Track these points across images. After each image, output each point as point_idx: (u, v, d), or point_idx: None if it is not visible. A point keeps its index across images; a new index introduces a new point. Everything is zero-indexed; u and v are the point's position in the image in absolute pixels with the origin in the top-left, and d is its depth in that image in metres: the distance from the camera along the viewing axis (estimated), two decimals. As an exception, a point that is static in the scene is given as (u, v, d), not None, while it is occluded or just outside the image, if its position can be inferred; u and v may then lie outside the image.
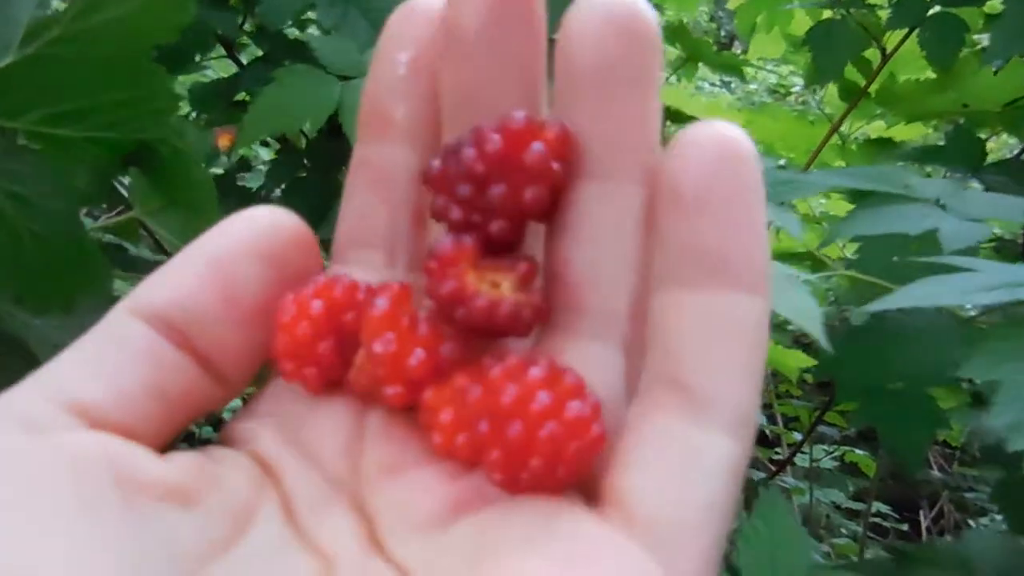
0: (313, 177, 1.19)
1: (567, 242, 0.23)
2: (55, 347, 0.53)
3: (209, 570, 0.21)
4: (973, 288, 0.54)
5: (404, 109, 0.24)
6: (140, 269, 0.92)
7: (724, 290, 0.20)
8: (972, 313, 0.89)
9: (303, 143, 1.22)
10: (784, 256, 1.24)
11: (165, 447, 0.23)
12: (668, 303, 0.21)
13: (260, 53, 1.19)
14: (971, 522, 1.58)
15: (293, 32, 1.28)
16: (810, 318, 0.53)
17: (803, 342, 1.43)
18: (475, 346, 0.24)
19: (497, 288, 0.22)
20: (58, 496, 0.19)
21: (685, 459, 0.20)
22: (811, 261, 1.16)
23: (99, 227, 0.61)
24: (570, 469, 0.21)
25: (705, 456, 0.20)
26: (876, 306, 0.55)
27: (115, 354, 0.23)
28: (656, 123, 0.22)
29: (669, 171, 0.20)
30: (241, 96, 1.15)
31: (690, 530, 0.20)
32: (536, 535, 0.20)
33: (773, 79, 2.58)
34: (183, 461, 0.22)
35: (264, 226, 0.24)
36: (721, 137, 0.20)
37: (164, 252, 1.20)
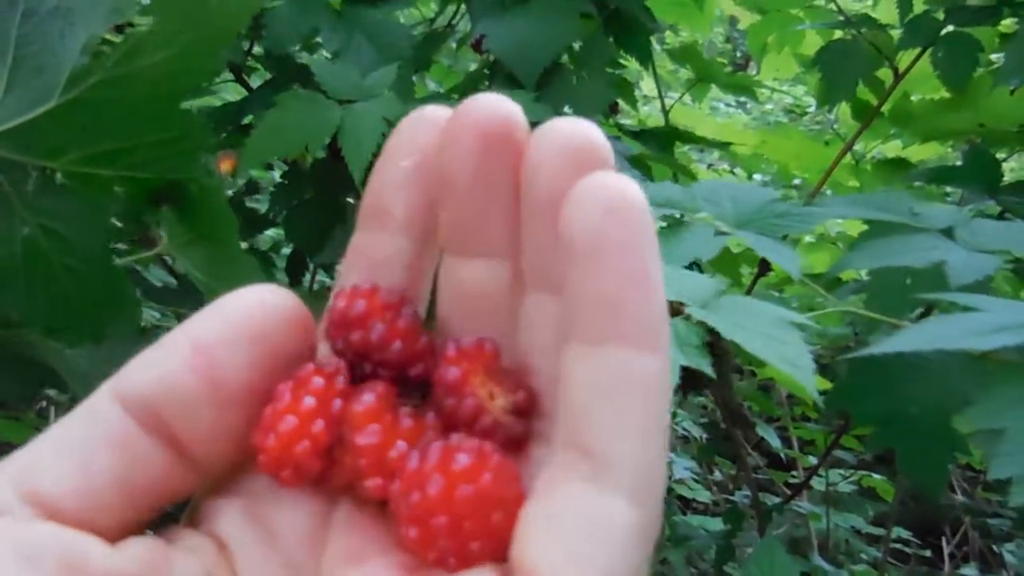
0: (317, 200, 1.19)
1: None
2: (84, 375, 0.55)
3: None
4: (981, 330, 0.52)
5: (403, 207, 0.26)
6: (155, 297, 0.93)
7: (618, 347, 0.20)
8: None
9: (309, 164, 1.22)
10: (789, 280, 1.22)
11: (133, 533, 0.23)
12: (569, 358, 0.21)
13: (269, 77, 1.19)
14: (996, 548, 1.55)
15: (303, 56, 1.29)
16: (800, 369, 0.52)
17: (820, 364, 1.41)
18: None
19: (491, 400, 0.24)
20: None
21: (584, 527, 0.20)
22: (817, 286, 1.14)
23: (126, 261, 0.63)
24: (486, 542, 0.22)
25: (603, 523, 0.20)
26: (880, 348, 0.54)
27: (84, 442, 0.23)
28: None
29: (562, 222, 0.21)
30: (249, 119, 1.16)
31: None
32: None
33: (789, 99, 2.57)
34: (136, 550, 0.23)
35: (253, 307, 0.24)
36: (610, 188, 0.21)
37: (173, 274, 1.21)
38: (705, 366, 0.55)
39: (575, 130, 0.22)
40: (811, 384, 0.52)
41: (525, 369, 0.24)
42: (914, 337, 0.54)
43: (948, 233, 0.74)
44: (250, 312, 0.24)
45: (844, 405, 0.89)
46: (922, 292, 0.83)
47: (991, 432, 0.95)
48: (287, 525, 0.24)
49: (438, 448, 0.22)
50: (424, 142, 0.25)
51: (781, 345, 0.53)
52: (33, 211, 0.41)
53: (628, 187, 0.21)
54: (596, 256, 0.20)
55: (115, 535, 0.23)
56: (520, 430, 0.24)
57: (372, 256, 0.26)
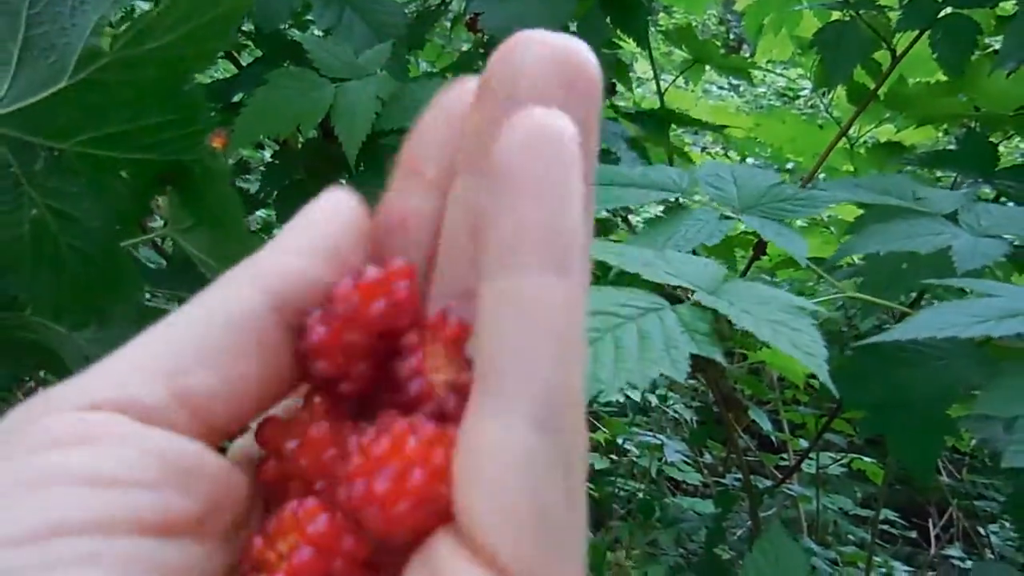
0: (309, 180, 1.18)
1: None
2: (86, 359, 0.54)
3: None
4: (991, 315, 0.52)
5: (437, 170, 0.26)
6: (148, 278, 0.92)
7: (521, 273, 0.19)
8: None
9: (300, 144, 1.21)
10: (783, 264, 1.22)
11: None
12: (481, 294, 0.20)
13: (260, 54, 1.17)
14: (981, 530, 1.57)
15: (294, 33, 1.27)
16: (814, 358, 0.52)
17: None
18: None
19: (436, 372, 0.23)
20: (154, 509, 0.20)
21: (491, 463, 0.19)
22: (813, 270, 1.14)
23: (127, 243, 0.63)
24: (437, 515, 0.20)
25: (507, 456, 0.19)
26: (886, 336, 0.54)
27: (235, 346, 0.22)
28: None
29: (491, 154, 0.20)
30: (240, 98, 1.14)
31: (515, 542, 0.19)
32: None
33: (782, 82, 2.56)
34: (246, 486, 0.23)
35: (358, 214, 0.25)
36: (534, 124, 0.20)
37: (164, 256, 1.19)
38: (716, 354, 0.55)
39: (568, 44, 0.22)
40: (824, 372, 0.52)
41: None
42: (924, 324, 0.53)
43: (952, 217, 0.74)
44: (357, 219, 0.24)
45: (842, 390, 0.89)
46: (919, 277, 0.83)
47: (986, 418, 0.96)
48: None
49: (359, 447, 0.21)
50: (460, 110, 0.25)
51: (792, 332, 0.53)
52: (41, 192, 0.41)
53: (551, 122, 0.20)
54: (511, 189, 0.20)
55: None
56: (451, 407, 0.23)
57: (406, 211, 0.26)
